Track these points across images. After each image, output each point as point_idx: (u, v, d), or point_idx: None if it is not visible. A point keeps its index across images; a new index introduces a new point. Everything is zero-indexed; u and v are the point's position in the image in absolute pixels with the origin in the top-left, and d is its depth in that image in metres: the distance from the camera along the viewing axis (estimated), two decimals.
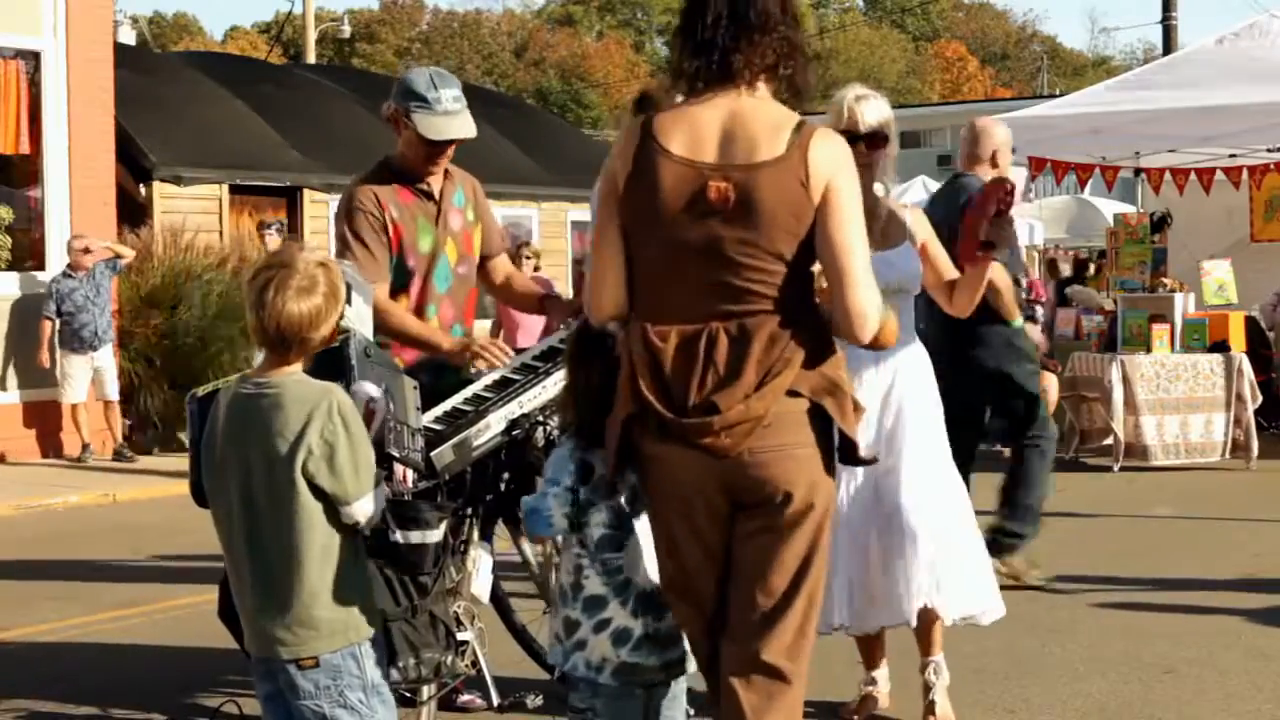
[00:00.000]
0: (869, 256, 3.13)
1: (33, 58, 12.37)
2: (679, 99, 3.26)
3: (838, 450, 3.19)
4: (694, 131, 3.11)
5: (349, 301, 3.70)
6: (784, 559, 3.13)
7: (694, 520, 3.17)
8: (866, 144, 4.56)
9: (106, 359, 11.97)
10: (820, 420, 3.13)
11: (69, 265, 11.91)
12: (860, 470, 4.50)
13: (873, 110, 4.56)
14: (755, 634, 3.14)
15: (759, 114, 3.13)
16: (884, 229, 4.58)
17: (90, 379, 11.90)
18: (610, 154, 3.24)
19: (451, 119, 4.66)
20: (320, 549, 3.17)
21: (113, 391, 12.08)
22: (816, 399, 3.11)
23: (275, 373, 3.22)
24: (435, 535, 3.93)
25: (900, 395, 4.54)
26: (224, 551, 3.29)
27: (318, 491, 3.14)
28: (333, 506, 3.17)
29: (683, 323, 3.10)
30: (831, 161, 3.09)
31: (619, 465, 3.24)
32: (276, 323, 3.15)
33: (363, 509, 3.20)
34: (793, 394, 3.08)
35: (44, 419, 12.30)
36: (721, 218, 3.05)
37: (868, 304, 3.11)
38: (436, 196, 4.79)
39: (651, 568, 3.61)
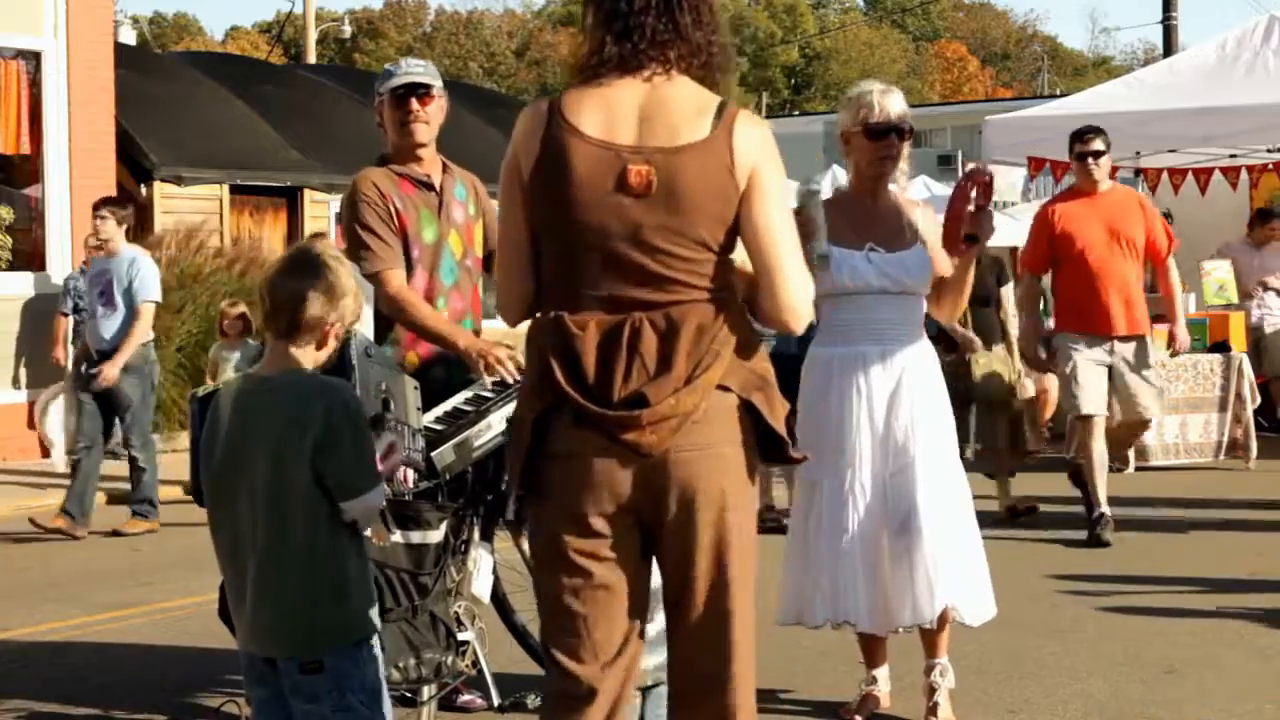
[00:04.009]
0: (798, 242, 3.00)
1: (33, 58, 12.38)
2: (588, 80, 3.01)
3: (764, 449, 3.01)
4: (608, 111, 2.91)
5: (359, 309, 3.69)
6: (713, 564, 2.93)
7: (596, 525, 2.91)
8: (897, 135, 4.57)
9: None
10: (748, 418, 2.96)
11: (84, 264, 11.89)
12: (869, 471, 4.51)
13: (897, 102, 4.59)
14: (696, 645, 2.97)
15: (678, 94, 2.94)
16: (900, 227, 4.59)
17: None
18: (511, 142, 2.98)
19: (414, 76, 4.74)
20: (326, 549, 3.17)
21: None
22: (745, 395, 2.94)
23: (278, 368, 3.21)
24: (435, 535, 3.94)
25: (909, 395, 4.54)
26: (221, 551, 3.27)
27: (323, 487, 3.14)
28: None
29: (601, 313, 2.89)
30: (757, 145, 2.92)
31: (526, 473, 2.96)
32: (270, 295, 3.16)
33: (358, 507, 3.19)
34: (721, 389, 2.91)
35: None
36: (643, 203, 2.86)
37: (801, 294, 2.97)
38: (437, 188, 4.80)
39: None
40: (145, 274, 8.84)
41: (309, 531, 3.15)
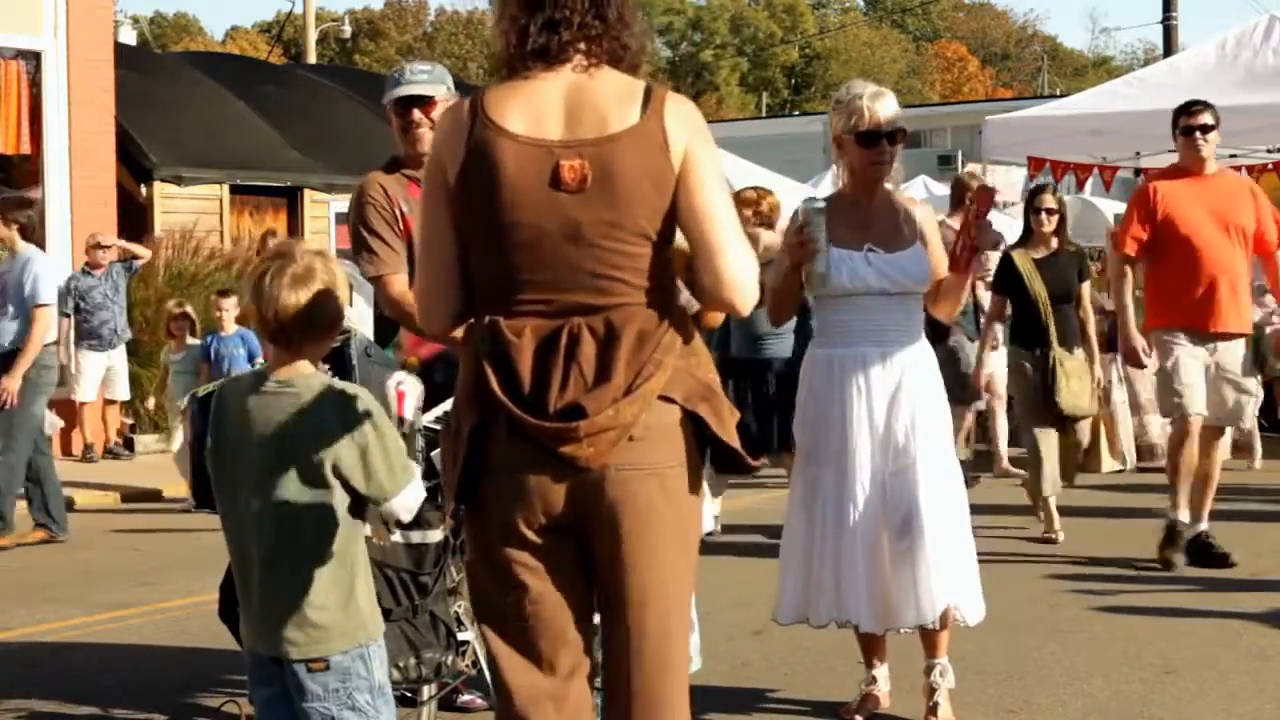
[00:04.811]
0: (737, 220, 2.91)
1: (33, 58, 12.38)
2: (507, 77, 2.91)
3: (715, 459, 2.90)
4: (534, 107, 2.80)
5: (349, 301, 3.70)
6: (645, 585, 2.83)
7: (532, 539, 2.82)
8: (888, 141, 4.56)
9: (120, 358, 12.01)
10: (692, 432, 2.85)
11: (86, 263, 11.92)
12: (869, 471, 4.51)
13: (888, 106, 4.57)
14: (628, 662, 2.88)
15: (603, 84, 2.83)
16: (898, 226, 4.59)
17: (102, 378, 11.94)
18: (433, 144, 2.90)
19: (415, 86, 4.73)
20: (335, 551, 3.17)
21: (123, 391, 12.12)
22: (690, 406, 2.82)
23: (290, 371, 3.19)
24: (435, 535, 3.95)
25: (909, 396, 4.54)
26: (230, 550, 3.28)
27: (350, 491, 3.13)
28: (351, 507, 3.17)
29: (538, 318, 2.77)
30: (689, 127, 2.82)
31: (463, 488, 2.86)
32: (275, 312, 3.13)
33: (402, 504, 3.20)
34: (664, 399, 2.79)
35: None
36: (579, 199, 2.75)
37: (746, 271, 2.83)
38: None
39: None
40: (38, 276, 8.36)
41: (319, 534, 3.15)
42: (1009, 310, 8.07)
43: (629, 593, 2.85)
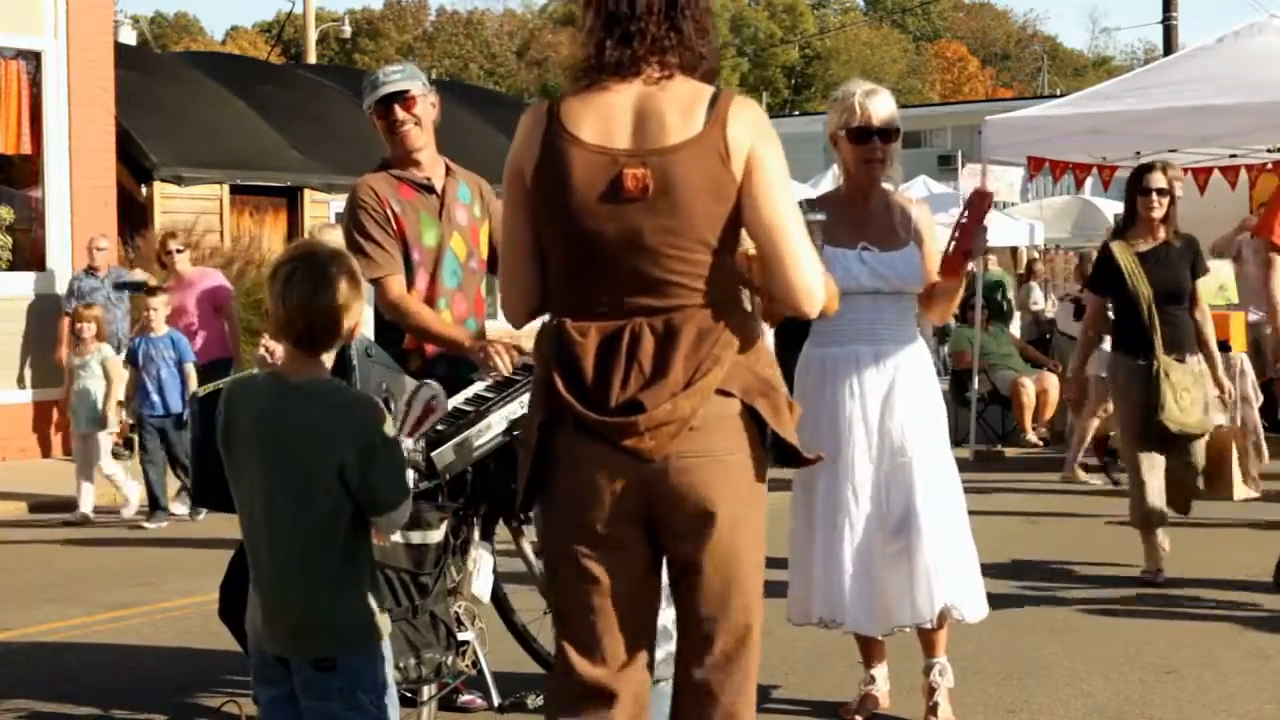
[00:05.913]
0: (802, 223, 2.98)
1: (33, 58, 12.38)
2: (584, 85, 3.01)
3: (775, 453, 3.01)
4: (604, 116, 2.91)
5: None
6: (716, 570, 2.95)
7: (600, 531, 2.92)
8: (881, 139, 4.57)
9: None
10: (752, 423, 2.96)
11: (89, 266, 11.91)
12: (864, 472, 4.51)
13: (883, 105, 4.58)
14: (700, 648, 3.01)
15: (672, 92, 2.92)
16: (894, 227, 4.59)
17: None
18: (513, 145, 3.01)
19: (392, 85, 4.76)
20: (345, 551, 3.17)
21: (123, 390, 12.11)
22: (748, 400, 2.94)
23: (309, 374, 3.19)
24: (436, 535, 3.95)
25: (903, 396, 4.54)
26: (246, 548, 3.28)
27: (348, 490, 3.14)
28: (360, 510, 3.18)
29: (602, 319, 2.91)
30: (752, 130, 2.90)
31: (534, 479, 2.99)
32: (305, 313, 3.12)
33: (392, 520, 3.22)
34: (723, 394, 2.91)
35: (49, 418, 12.31)
36: (641, 207, 2.86)
37: (812, 277, 2.96)
38: (439, 191, 4.82)
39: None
40: None
41: (332, 535, 3.15)
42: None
43: (700, 578, 2.95)
